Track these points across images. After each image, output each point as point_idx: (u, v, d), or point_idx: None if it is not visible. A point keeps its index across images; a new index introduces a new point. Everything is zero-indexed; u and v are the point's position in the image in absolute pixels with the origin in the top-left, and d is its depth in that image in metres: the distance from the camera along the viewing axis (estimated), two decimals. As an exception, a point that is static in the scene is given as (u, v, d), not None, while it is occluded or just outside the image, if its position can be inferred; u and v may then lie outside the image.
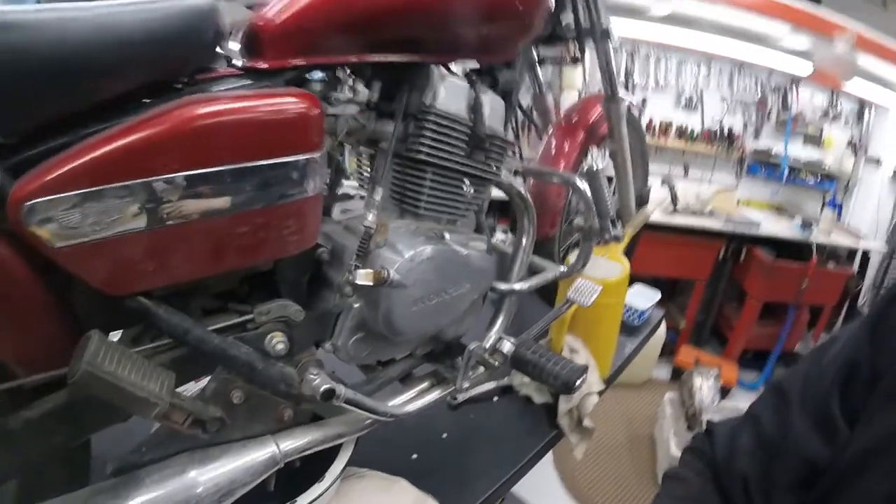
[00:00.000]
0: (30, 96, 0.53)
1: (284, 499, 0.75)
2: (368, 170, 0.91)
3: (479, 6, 0.80)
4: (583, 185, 1.01)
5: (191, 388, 0.79)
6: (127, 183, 0.53)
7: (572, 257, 1.15)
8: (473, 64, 0.92)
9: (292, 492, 0.76)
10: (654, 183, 3.11)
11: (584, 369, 0.88)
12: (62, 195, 0.51)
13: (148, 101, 0.61)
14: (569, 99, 3.14)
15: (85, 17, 0.54)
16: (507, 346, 0.91)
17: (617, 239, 1.01)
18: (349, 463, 0.83)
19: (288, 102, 0.61)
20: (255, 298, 0.72)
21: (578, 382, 0.86)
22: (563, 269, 1.08)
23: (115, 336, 0.69)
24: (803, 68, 3.08)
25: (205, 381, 0.70)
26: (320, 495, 0.77)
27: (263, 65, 0.66)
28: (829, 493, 0.56)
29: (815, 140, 3.64)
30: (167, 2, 0.61)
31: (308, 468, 0.80)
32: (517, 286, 1.00)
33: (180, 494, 0.65)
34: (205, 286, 0.67)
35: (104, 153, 0.53)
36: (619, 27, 2.78)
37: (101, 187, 0.52)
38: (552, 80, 3.33)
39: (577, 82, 3.07)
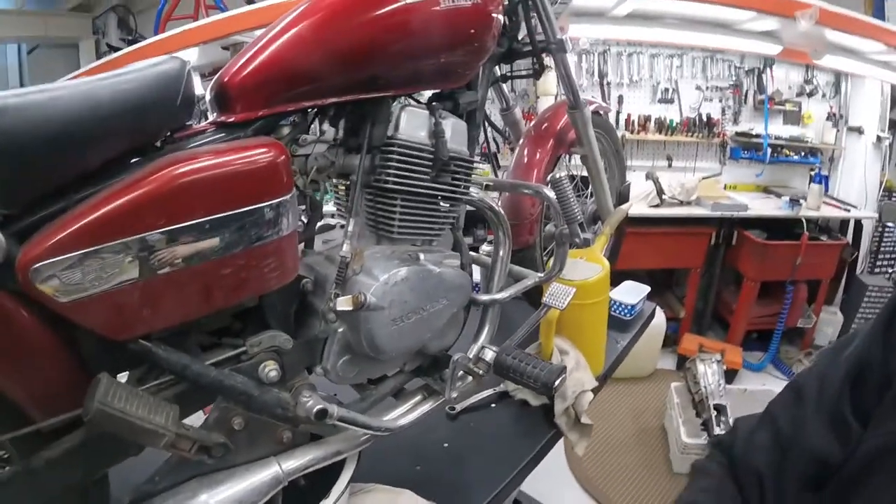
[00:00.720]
0: (23, 173, 0.59)
1: None
2: (345, 201, 0.97)
3: (432, 40, 0.86)
4: (551, 193, 1.06)
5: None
6: (119, 241, 0.60)
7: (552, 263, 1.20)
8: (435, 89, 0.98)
9: None
10: (638, 177, 3.18)
11: (562, 370, 0.93)
12: (63, 257, 0.57)
13: (133, 160, 0.67)
14: (545, 105, 3.21)
15: (64, 95, 0.61)
16: (490, 354, 0.96)
17: (587, 243, 1.07)
18: (353, 478, 0.88)
19: (256, 154, 0.68)
20: (248, 332, 0.78)
21: (557, 382, 0.91)
22: (541, 275, 1.13)
23: (122, 377, 0.76)
24: (773, 48, 3.13)
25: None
26: (327, 512, 0.82)
27: (232, 118, 0.73)
28: (840, 492, 0.57)
29: (795, 117, 3.68)
30: (138, 71, 0.67)
31: (314, 487, 0.85)
32: (497, 296, 1.06)
33: (193, 518, 0.70)
34: (199, 325, 0.73)
35: (98, 216, 0.59)
36: (586, 30, 2.88)
37: (97, 247, 0.59)
38: (527, 88, 3.41)
39: (551, 88, 3.14)
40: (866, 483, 0.55)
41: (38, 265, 0.56)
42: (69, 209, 0.61)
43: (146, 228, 0.61)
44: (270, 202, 0.68)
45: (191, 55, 2.57)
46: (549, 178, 1.04)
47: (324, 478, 0.86)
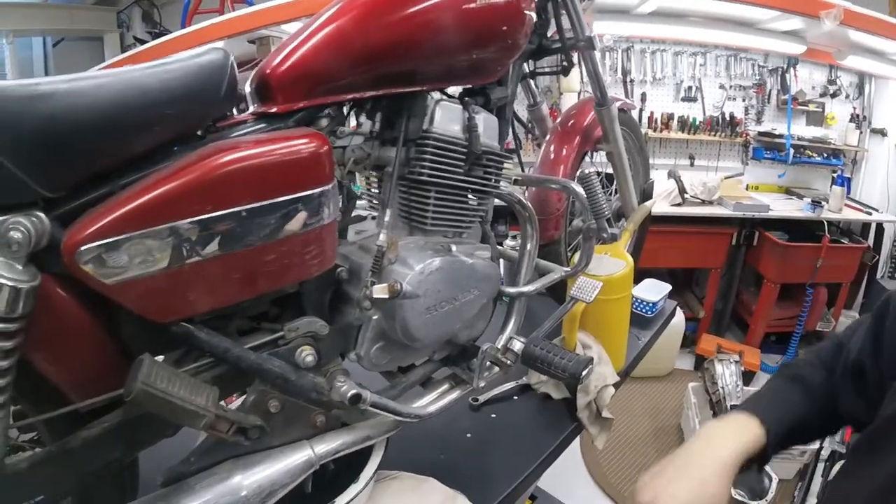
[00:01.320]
0: (69, 157, 0.60)
1: (322, 501, 0.81)
2: (377, 192, 0.98)
3: (466, 36, 0.87)
4: (579, 189, 1.07)
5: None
6: (165, 226, 0.61)
7: (577, 257, 1.20)
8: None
9: (328, 495, 0.82)
10: (660, 176, 3.16)
11: (589, 361, 0.93)
12: (110, 240, 0.58)
13: (176, 148, 0.69)
14: (568, 101, 3.20)
15: (111, 82, 0.62)
16: (518, 344, 0.97)
17: (614, 238, 1.07)
18: (380, 465, 0.90)
19: (300, 144, 0.69)
20: (284, 317, 0.80)
21: (585, 372, 0.91)
22: (567, 269, 1.14)
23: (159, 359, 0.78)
24: (797, 48, 3.09)
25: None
26: (356, 495, 0.83)
27: (274, 109, 0.74)
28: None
29: (818, 117, 3.64)
30: (183, 61, 0.69)
31: (343, 472, 0.87)
32: (525, 289, 1.07)
33: (227, 497, 0.72)
34: (240, 309, 0.74)
35: (144, 201, 0.60)
36: (611, 27, 2.86)
37: (143, 230, 0.60)
38: (551, 84, 3.40)
39: (575, 85, 3.12)
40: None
41: (84, 247, 0.57)
42: (114, 194, 0.63)
43: (192, 214, 0.62)
44: (313, 191, 0.69)
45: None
46: (578, 173, 1.04)
47: (351, 464, 0.88)
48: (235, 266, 0.67)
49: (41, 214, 0.58)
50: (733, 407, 2.38)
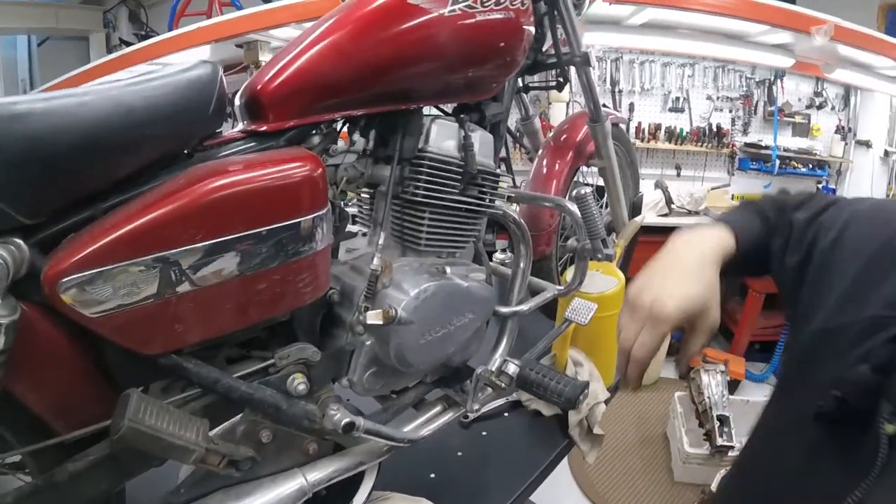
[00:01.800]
0: (50, 181, 0.57)
1: None
2: (369, 210, 0.96)
3: (464, 53, 0.85)
4: (574, 208, 1.06)
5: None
6: (151, 256, 0.58)
7: (569, 274, 1.20)
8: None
9: None
10: (648, 186, 3.17)
11: (585, 385, 0.93)
12: (92, 271, 0.56)
13: (162, 169, 0.66)
14: (558, 111, 3.20)
15: (94, 101, 0.59)
16: (512, 367, 0.96)
17: (609, 258, 1.06)
18: (373, 488, 0.88)
19: (294, 167, 0.67)
20: (274, 343, 0.77)
21: (581, 398, 0.91)
22: (560, 288, 1.13)
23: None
24: (786, 61, 3.13)
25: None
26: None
27: (264, 128, 0.72)
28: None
29: (804, 129, 3.67)
30: (170, 77, 0.66)
31: (335, 496, 0.85)
32: (518, 308, 1.06)
33: (219, 531, 0.70)
34: (230, 338, 0.72)
35: (128, 230, 0.58)
36: (600, 38, 2.87)
37: (127, 262, 0.57)
38: (539, 94, 3.40)
39: (563, 95, 3.13)
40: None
41: (66, 279, 0.54)
42: (96, 218, 0.60)
43: (178, 244, 0.59)
44: (308, 217, 0.67)
45: (203, 52, 2.56)
46: (574, 192, 1.03)
47: (343, 488, 0.86)
48: (225, 297, 0.65)
49: (20, 242, 0.56)
50: (719, 417, 2.40)
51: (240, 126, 0.76)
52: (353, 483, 0.87)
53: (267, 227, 0.64)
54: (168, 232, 0.59)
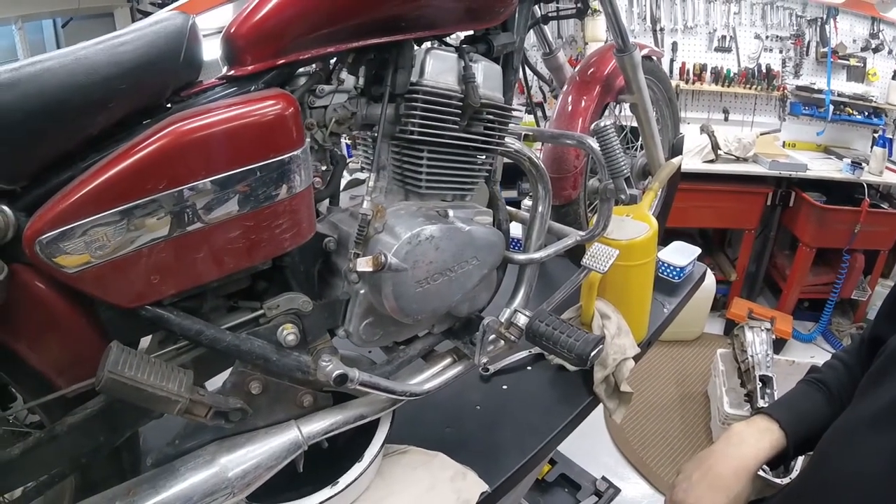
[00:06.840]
0: (22, 147, 0.58)
1: (327, 481, 0.78)
2: (371, 154, 0.90)
3: None
4: (595, 144, 0.96)
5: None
6: (119, 208, 0.58)
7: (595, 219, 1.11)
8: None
9: (334, 473, 0.79)
10: (693, 130, 2.98)
11: (600, 340, 0.86)
12: (65, 227, 0.56)
13: (141, 123, 0.64)
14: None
15: (57, 64, 0.58)
16: (522, 319, 0.90)
17: (633, 199, 0.97)
18: (387, 440, 0.86)
19: (262, 107, 0.62)
20: (270, 293, 0.75)
21: (593, 353, 0.84)
22: (582, 233, 1.05)
23: (147, 340, 0.74)
24: (838, -3, 2.84)
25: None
26: (360, 475, 0.80)
27: (242, 71, 0.67)
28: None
29: (859, 73, 3.35)
30: (138, 31, 0.64)
31: (349, 449, 0.84)
32: (535, 255, 0.98)
33: (212, 480, 0.70)
34: (214, 288, 0.69)
35: (97, 185, 0.57)
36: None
37: (98, 215, 0.57)
38: (575, 34, 3.21)
39: (601, 34, 2.94)
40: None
41: (41, 237, 0.55)
42: (75, 177, 0.60)
43: (142, 194, 0.58)
44: (278, 158, 0.63)
45: (226, 12, 2.50)
46: (593, 126, 0.94)
47: (357, 437, 0.84)
48: (197, 246, 0.62)
49: (4, 207, 0.57)
50: (762, 378, 2.28)
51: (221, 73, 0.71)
52: (367, 434, 0.85)
53: (231, 171, 0.61)
54: (131, 184, 0.58)
